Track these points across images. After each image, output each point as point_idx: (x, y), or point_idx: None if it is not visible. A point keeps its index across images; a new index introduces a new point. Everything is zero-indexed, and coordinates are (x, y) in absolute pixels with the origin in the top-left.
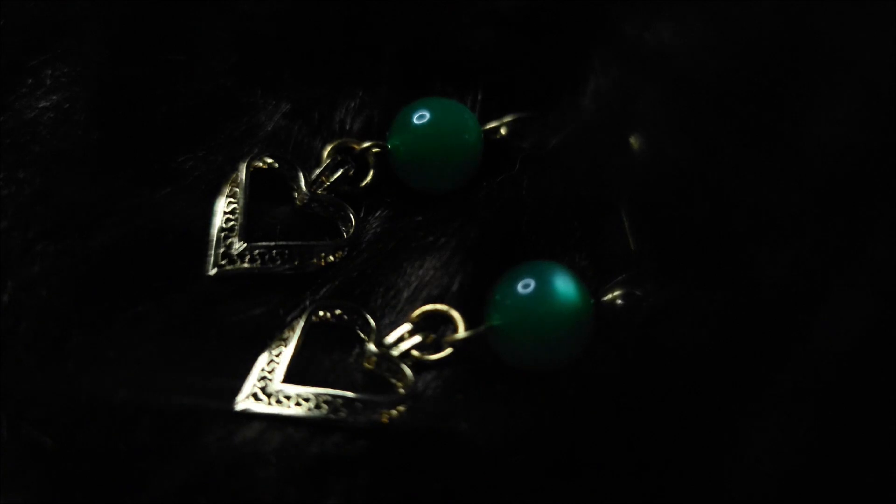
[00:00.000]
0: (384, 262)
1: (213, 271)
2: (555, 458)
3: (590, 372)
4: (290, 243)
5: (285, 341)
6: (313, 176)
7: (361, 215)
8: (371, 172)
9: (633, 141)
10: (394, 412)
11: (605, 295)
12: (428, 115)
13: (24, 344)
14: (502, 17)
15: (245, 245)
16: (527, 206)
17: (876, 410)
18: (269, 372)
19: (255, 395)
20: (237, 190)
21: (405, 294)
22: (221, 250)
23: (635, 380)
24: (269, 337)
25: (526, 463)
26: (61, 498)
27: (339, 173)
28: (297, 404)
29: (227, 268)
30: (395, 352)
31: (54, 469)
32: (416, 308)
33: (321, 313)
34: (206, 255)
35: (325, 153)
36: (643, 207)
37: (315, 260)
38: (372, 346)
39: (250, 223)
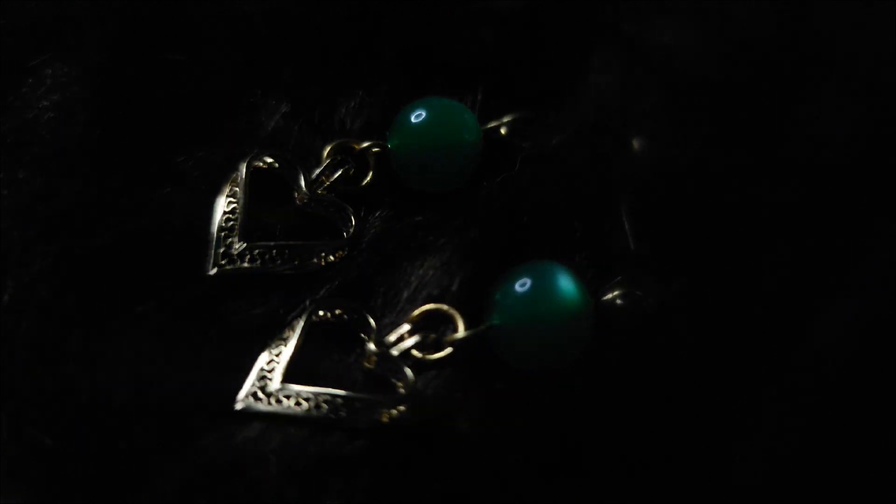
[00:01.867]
0: (384, 261)
1: (213, 271)
2: (555, 458)
3: (590, 371)
4: (290, 243)
5: (285, 341)
6: (313, 176)
7: (361, 215)
8: (371, 172)
9: (635, 142)
10: (394, 412)
11: (605, 295)
12: (428, 115)
13: (24, 344)
14: (502, 17)
15: (245, 245)
16: (527, 206)
17: (875, 410)
18: (269, 371)
19: (254, 395)
20: (237, 190)
21: (405, 294)
22: (221, 250)
23: (635, 379)
24: (269, 337)
25: (526, 463)
26: (61, 498)
27: (339, 173)
28: (297, 404)
29: (227, 268)
30: (395, 351)
31: (54, 469)
32: (416, 308)
33: (321, 313)
34: (206, 255)
35: (325, 153)
36: (643, 207)
37: (315, 260)
38: (372, 346)
39: (250, 223)
